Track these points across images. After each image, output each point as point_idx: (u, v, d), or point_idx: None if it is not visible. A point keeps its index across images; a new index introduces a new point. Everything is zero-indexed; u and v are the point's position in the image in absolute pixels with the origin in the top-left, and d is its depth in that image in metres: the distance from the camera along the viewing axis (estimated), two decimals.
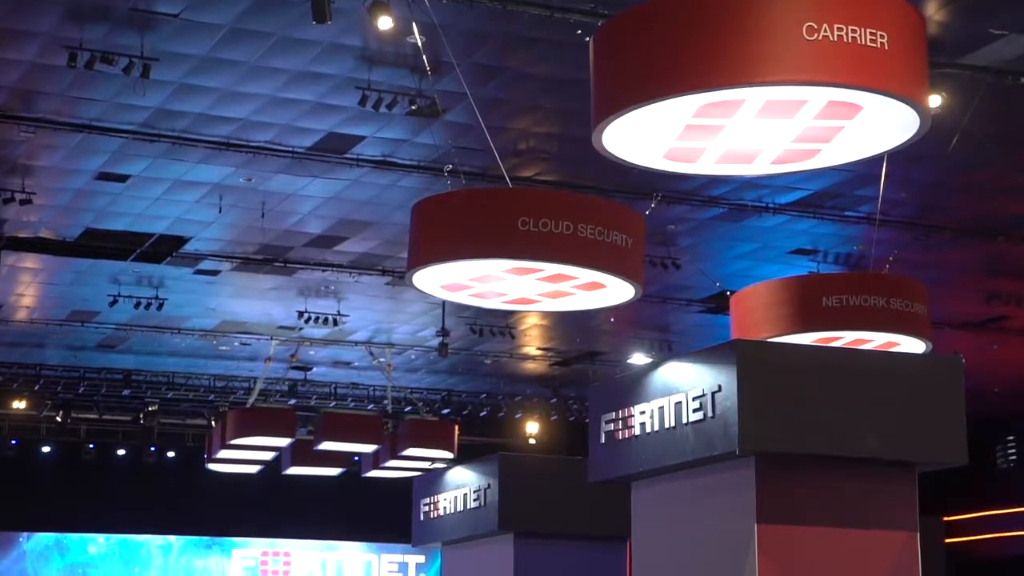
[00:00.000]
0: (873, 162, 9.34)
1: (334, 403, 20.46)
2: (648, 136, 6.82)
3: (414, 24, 9.64)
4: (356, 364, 19.83)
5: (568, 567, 11.46)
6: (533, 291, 9.54)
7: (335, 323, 17.03)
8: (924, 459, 8.13)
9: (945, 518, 19.84)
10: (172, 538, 22.47)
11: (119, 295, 16.15)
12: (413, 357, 19.37)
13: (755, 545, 7.68)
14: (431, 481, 12.87)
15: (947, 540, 19.92)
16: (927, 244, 14.74)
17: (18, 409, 19.80)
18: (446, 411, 21.02)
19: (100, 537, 22.09)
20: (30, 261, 15.57)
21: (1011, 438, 22.52)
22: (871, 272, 13.51)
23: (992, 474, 22.23)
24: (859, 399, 7.95)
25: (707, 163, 7.18)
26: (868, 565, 7.87)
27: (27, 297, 16.92)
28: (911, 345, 11.67)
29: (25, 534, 21.74)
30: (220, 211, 13.91)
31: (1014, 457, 22.56)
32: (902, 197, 13.47)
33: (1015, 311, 16.77)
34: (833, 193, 13.66)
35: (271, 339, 17.99)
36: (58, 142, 12.32)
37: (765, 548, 7.69)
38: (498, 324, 17.58)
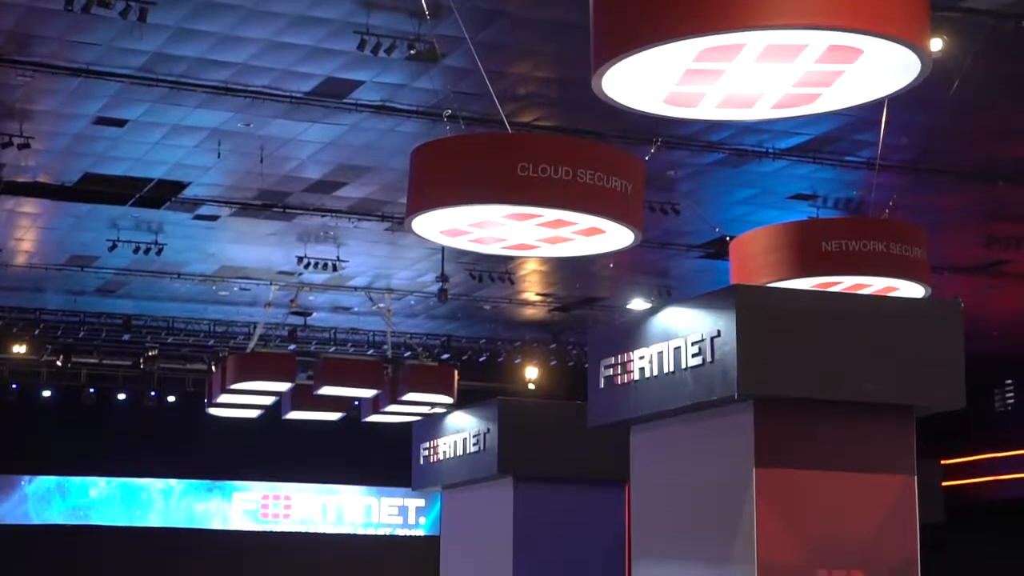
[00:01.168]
0: (873, 107, 9.34)
1: (334, 348, 20.50)
2: (648, 81, 6.79)
3: None
4: (356, 309, 19.85)
5: (567, 511, 11.53)
6: (532, 237, 9.53)
7: (334, 268, 17.03)
8: (922, 403, 8.16)
9: (943, 461, 19.91)
10: (173, 482, 22.58)
11: (118, 240, 16.14)
12: (412, 302, 19.39)
13: (753, 489, 7.72)
14: (431, 426, 12.91)
15: (944, 483, 20.00)
16: (927, 188, 14.72)
17: (18, 354, 19.84)
18: (445, 356, 21.07)
19: (101, 480, 22.20)
20: (29, 206, 15.56)
21: (1009, 381, 22.58)
22: (871, 217, 13.51)
23: (990, 417, 22.31)
24: (858, 344, 7.97)
25: (707, 108, 7.16)
26: (866, 508, 7.92)
27: (26, 242, 16.92)
28: (910, 290, 11.68)
29: (27, 477, 21.84)
30: (219, 156, 13.89)
31: (1012, 400, 22.63)
32: (902, 142, 13.44)
33: (1015, 255, 16.76)
34: (833, 138, 13.63)
35: (270, 284, 18.00)
36: (56, 86, 12.28)
37: (763, 492, 7.73)
38: (497, 270, 17.58)
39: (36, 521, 21.61)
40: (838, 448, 7.94)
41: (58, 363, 20.22)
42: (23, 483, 21.86)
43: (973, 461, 22.61)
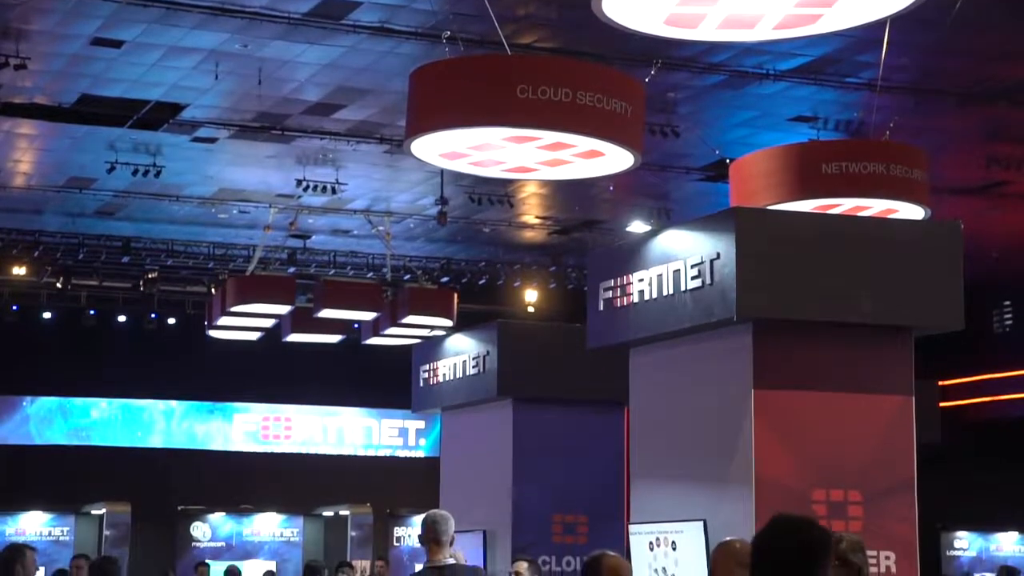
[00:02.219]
0: (875, 27, 9.26)
1: (333, 271, 20.50)
2: (648, 1, 6.75)
3: None
4: (355, 232, 19.83)
5: (566, 432, 11.60)
6: (532, 159, 9.51)
7: (333, 191, 17.00)
8: (921, 324, 8.18)
9: (940, 382, 19.97)
10: (174, 403, 22.68)
11: (116, 162, 16.09)
12: (412, 225, 19.37)
13: (751, 410, 7.77)
14: (430, 348, 12.96)
15: (942, 404, 20.08)
16: (928, 110, 14.66)
17: (18, 275, 19.84)
18: (445, 279, 21.08)
19: (103, 402, 22.29)
20: (26, 127, 15.50)
21: (1008, 303, 22.61)
22: (871, 139, 13.46)
23: (988, 338, 22.36)
24: (857, 265, 7.98)
25: (708, 29, 7.12)
26: (863, 429, 7.96)
27: (24, 163, 16.87)
28: (910, 211, 11.68)
29: (28, 398, 21.94)
30: (216, 78, 13.80)
31: (1010, 321, 22.67)
32: (903, 62, 13.36)
33: (1015, 176, 16.73)
34: (834, 59, 13.54)
35: (269, 207, 17.98)
36: (52, 6, 12.18)
37: (761, 413, 7.77)
38: (497, 192, 17.55)
39: (38, 442, 21.73)
40: (836, 369, 7.97)
41: (58, 285, 20.23)
42: (24, 404, 21.96)
43: (971, 382, 22.70)
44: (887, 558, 7.75)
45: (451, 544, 8.23)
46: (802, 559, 3.59)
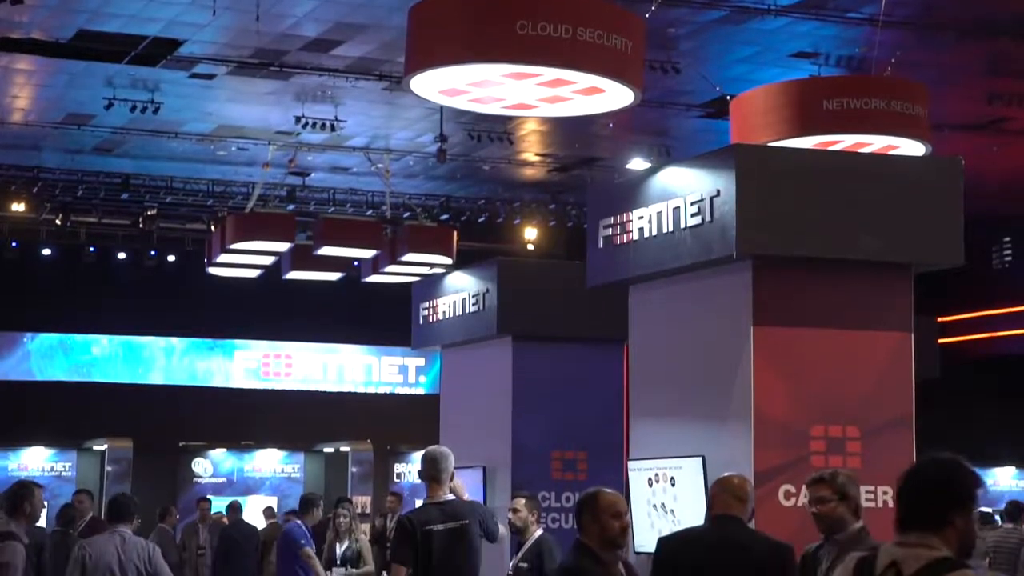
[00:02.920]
0: None
1: (333, 208, 20.47)
2: None
3: None
4: (354, 170, 19.79)
5: (566, 369, 11.63)
6: (532, 96, 9.47)
7: (332, 128, 16.94)
8: (920, 260, 8.20)
9: (939, 318, 20.01)
10: (175, 340, 22.72)
11: (114, 98, 16.02)
12: (411, 163, 19.32)
13: (751, 347, 7.79)
14: (430, 286, 12.97)
15: (941, 340, 20.13)
16: (929, 45, 14.58)
17: (17, 211, 19.82)
18: (445, 217, 21.05)
19: (103, 338, 22.34)
20: (23, 63, 15.42)
21: (1007, 239, 22.59)
22: (872, 75, 13.40)
23: (987, 274, 22.36)
24: (857, 202, 7.97)
25: None
26: (862, 365, 7.99)
27: (21, 99, 16.80)
28: (911, 148, 11.65)
29: (29, 335, 21.98)
30: (214, 13, 13.71)
31: (1009, 258, 22.67)
32: None
33: (1016, 112, 16.67)
34: None
35: (268, 144, 17.93)
36: None
37: (761, 350, 7.80)
38: (496, 130, 17.49)
39: (39, 378, 21.80)
40: (836, 306, 7.99)
41: (57, 222, 20.20)
42: (26, 340, 22.00)
43: (970, 318, 22.73)
44: (885, 493, 7.80)
45: (452, 479, 8.29)
46: (947, 499, 3.61)
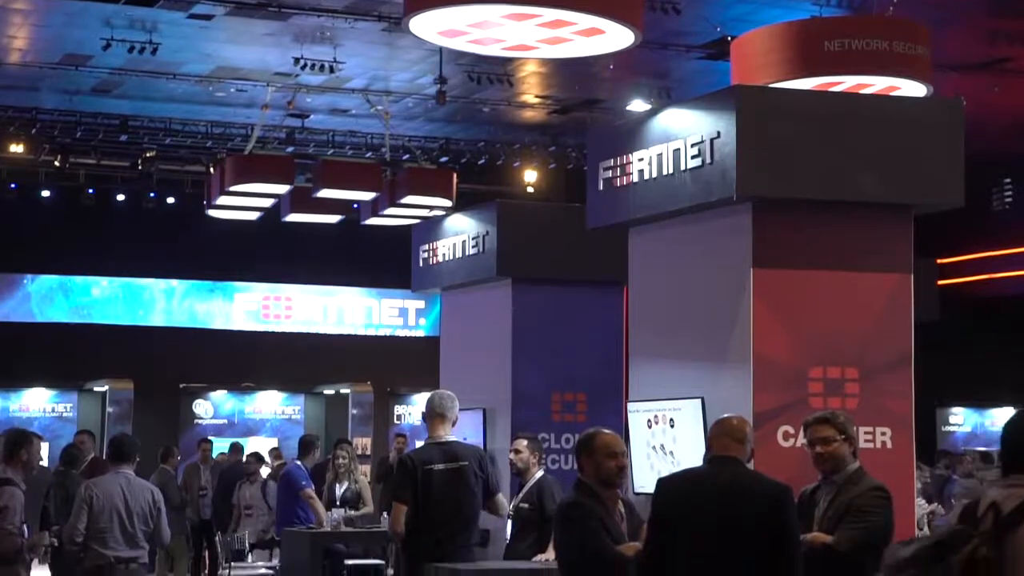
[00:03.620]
0: None
1: (332, 151, 20.42)
2: None
3: None
4: (353, 112, 19.71)
5: (565, 311, 11.64)
6: (531, 37, 9.43)
7: (331, 70, 16.86)
8: (921, 201, 8.19)
9: (939, 260, 20.01)
10: (175, 282, 22.73)
11: (112, 39, 15.93)
12: (411, 105, 19.25)
13: (750, 289, 7.80)
14: (430, 228, 12.96)
15: (940, 282, 20.14)
16: None
17: (15, 153, 19.76)
18: (444, 159, 20.99)
19: (103, 280, 22.35)
20: (20, 2, 15.32)
21: (1008, 180, 22.54)
22: (873, 15, 13.33)
23: (988, 216, 22.33)
24: (858, 143, 7.96)
25: None
26: (862, 307, 8.01)
27: (19, 39, 16.71)
28: (912, 88, 11.61)
29: (29, 276, 21.98)
30: None
31: (1010, 199, 22.63)
32: None
33: (1019, 51, 16.59)
34: None
35: (267, 86, 17.85)
36: None
37: (760, 292, 7.81)
38: (496, 71, 17.40)
39: (39, 319, 21.82)
40: (836, 248, 7.99)
41: (56, 163, 20.16)
42: (25, 281, 22.00)
43: (969, 260, 22.72)
44: (883, 434, 7.84)
45: (454, 424, 8.33)
46: None
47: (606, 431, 6.23)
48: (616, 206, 8.74)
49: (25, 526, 8.58)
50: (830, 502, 6.35)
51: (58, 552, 11.91)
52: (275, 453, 17.69)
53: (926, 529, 10.48)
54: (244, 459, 15.48)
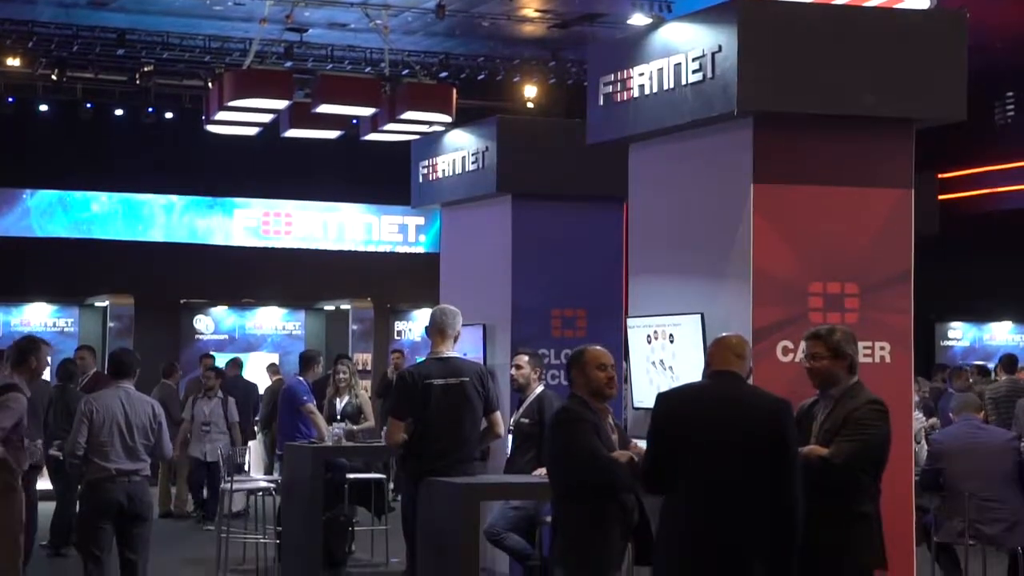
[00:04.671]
0: None
1: (331, 66, 20.28)
2: None
3: None
4: (352, 26, 19.55)
5: (565, 227, 11.63)
6: None
7: None
8: (922, 116, 8.15)
9: (940, 175, 19.98)
10: (174, 198, 22.70)
11: None
12: (410, 19, 19.09)
13: (751, 205, 7.79)
14: (429, 144, 12.92)
15: (941, 196, 20.12)
16: None
17: (13, 66, 19.64)
18: (444, 74, 20.86)
19: (103, 195, 22.31)
20: None
21: (1010, 94, 22.42)
22: None
23: (989, 130, 22.24)
24: (860, 57, 7.91)
25: None
26: (862, 221, 8.01)
27: None
28: (915, 1, 11.52)
29: (28, 191, 21.93)
30: None
31: (1012, 113, 22.53)
32: None
33: None
34: None
35: None
36: None
37: (760, 208, 7.80)
38: None
39: (39, 234, 21.81)
40: (836, 163, 7.98)
41: (53, 77, 20.04)
42: (25, 196, 21.96)
43: (970, 174, 22.67)
44: (882, 348, 7.87)
45: (456, 339, 8.36)
46: None
47: (594, 346, 6.35)
48: (616, 121, 8.70)
49: (27, 440, 8.65)
50: (827, 415, 6.40)
51: (60, 465, 12.07)
52: (273, 368, 17.76)
53: (924, 443, 10.54)
54: (202, 373, 15.33)
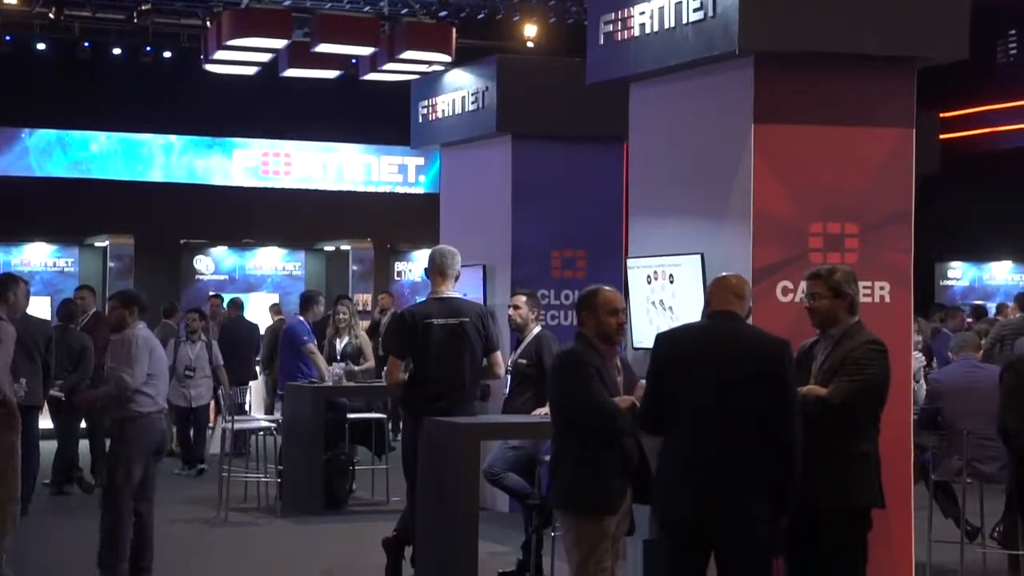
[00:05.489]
0: None
1: (329, 5, 20.15)
2: None
3: None
4: None
5: (565, 168, 11.63)
6: None
7: None
8: (924, 54, 8.12)
9: (941, 114, 19.88)
10: (173, 138, 22.61)
11: None
12: None
13: (751, 145, 7.78)
14: (429, 84, 12.88)
15: (942, 135, 20.03)
16: None
17: (9, 4, 19.49)
18: (443, 13, 20.71)
19: (101, 135, 22.23)
20: None
21: (1013, 32, 22.29)
22: None
23: (991, 69, 22.13)
24: None
25: None
26: (863, 161, 7.99)
27: None
28: None
29: (27, 130, 21.86)
30: None
31: (1014, 51, 22.41)
32: None
33: None
34: None
35: None
36: None
37: (761, 148, 7.79)
38: None
39: (38, 174, 21.75)
40: (837, 102, 7.95)
41: (50, 15, 19.91)
42: (23, 136, 21.88)
43: (972, 113, 22.58)
44: (881, 288, 7.88)
45: (456, 279, 8.37)
46: None
47: (608, 288, 6.28)
48: (617, 61, 8.66)
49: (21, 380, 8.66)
50: (827, 355, 6.41)
51: (61, 405, 12.12)
52: (275, 309, 17.77)
53: (923, 382, 10.57)
54: (186, 316, 14.68)
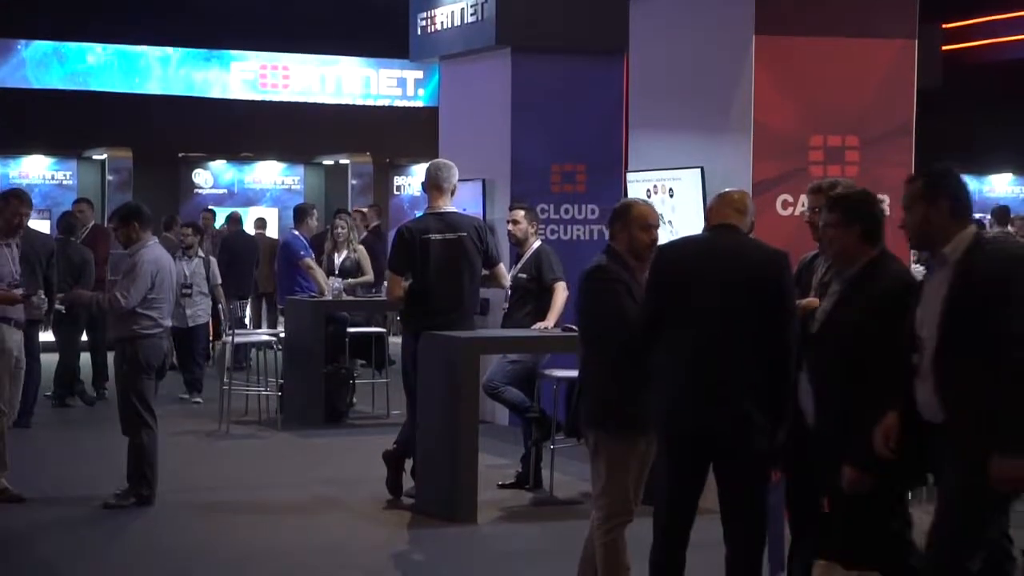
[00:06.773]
0: None
1: None
2: None
3: None
4: None
5: (565, 82, 11.55)
6: None
7: None
8: None
9: (943, 25, 19.73)
10: (170, 50, 22.43)
11: None
12: None
13: (752, 57, 7.73)
14: None
15: (944, 47, 19.88)
16: None
17: None
18: None
19: (98, 47, 22.05)
20: None
21: None
22: None
23: None
24: None
25: None
26: (864, 73, 7.96)
27: None
28: None
29: (23, 42, 21.67)
30: None
31: None
32: None
33: None
34: None
35: None
36: None
37: (762, 60, 7.74)
38: None
39: (35, 85, 21.60)
40: (839, 14, 7.90)
41: None
42: (19, 47, 21.70)
43: (974, 24, 22.39)
44: (881, 201, 7.84)
45: (453, 193, 8.34)
46: None
47: (642, 202, 6.16)
48: None
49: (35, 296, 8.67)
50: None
51: (62, 318, 12.13)
52: (260, 223, 17.67)
53: None
54: (180, 231, 14.02)
